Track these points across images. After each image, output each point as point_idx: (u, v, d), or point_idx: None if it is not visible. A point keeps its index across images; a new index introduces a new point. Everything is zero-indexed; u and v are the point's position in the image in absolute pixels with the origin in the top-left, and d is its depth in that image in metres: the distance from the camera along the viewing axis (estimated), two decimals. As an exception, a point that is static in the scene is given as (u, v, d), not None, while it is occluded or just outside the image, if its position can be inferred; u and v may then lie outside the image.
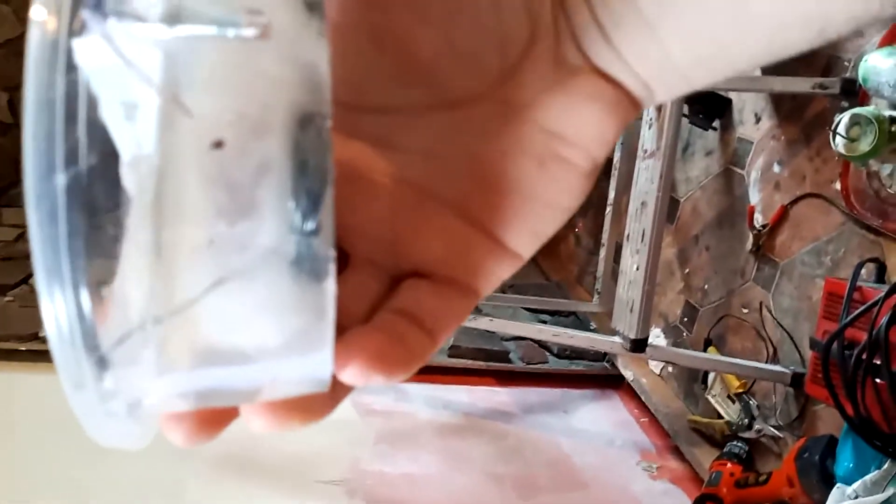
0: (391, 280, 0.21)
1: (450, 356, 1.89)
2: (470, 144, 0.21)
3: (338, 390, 0.19)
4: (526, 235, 0.22)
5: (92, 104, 0.14)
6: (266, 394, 0.17)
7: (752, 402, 1.51)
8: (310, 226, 0.15)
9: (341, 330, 0.18)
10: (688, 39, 0.20)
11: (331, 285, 0.16)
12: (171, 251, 0.15)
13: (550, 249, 2.67)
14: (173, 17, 0.14)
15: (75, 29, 0.14)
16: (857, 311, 1.09)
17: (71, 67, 0.14)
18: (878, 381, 1.05)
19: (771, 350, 1.49)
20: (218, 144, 0.15)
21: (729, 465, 1.43)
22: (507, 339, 2.00)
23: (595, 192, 2.06)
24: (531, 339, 1.99)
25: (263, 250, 0.15)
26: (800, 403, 1.41)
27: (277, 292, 0.16)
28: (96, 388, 0.15)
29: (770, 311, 1.50)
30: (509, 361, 1.94)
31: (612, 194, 2.03)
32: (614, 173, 2.00)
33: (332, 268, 0.16)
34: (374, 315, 0.20)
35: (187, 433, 0.18)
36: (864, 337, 1.06)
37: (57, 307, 0.14)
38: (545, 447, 1.66)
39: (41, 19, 0.14)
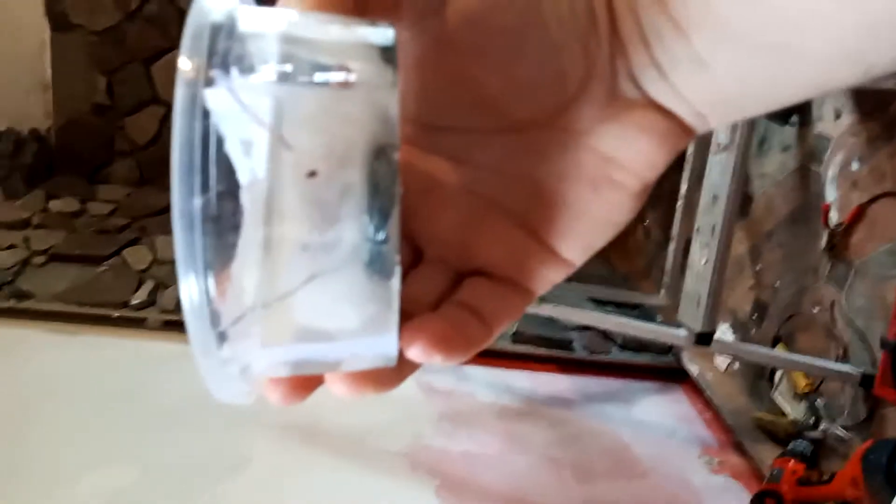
0: (457, 276, 0.25)
1: (513, 342, 1.93)
2: (532, 164, 0.24)
3: (404, 367, 0.23)
4: (578, 247, 0.25)
5: (220, 141, 0.19)
6: (346, 366, 0.21)
7: (820, 402, 1.49)
8: (381, 236, 0.20)
9: (410, 316, 0.22)
10: (740, 77, 0.22)
11: (396, 283, 0.20)
12: (276, 252, 0.19)
13: (619, 242, 2.65)
14: (282, 71, 0.19)
15: (209, 81, 0.19)
16: (931, 312, 1.07)
17: (206, 113, 0.18)
18: (950, 383, 1.03)
19: (841, 350, 1.47)
20: (312, 174, 0.19)
21: (792, 462, 1.42)
22: (570, 328, 2.02)
23: (666, 184, 2.04)
24: (595, 329, 2.00)
25: (345, 254, 0.20)
26: (869, 405, 1.38)
27: (356, 286, 0.20)
28: (217, 356, 0.20)
29: (842, 311, 1.47)
30: (572, 350, 1.96)
31: (683, 187, 2.01)
32: (686, 166, 1.98)
33: (397, 269, 0.20)
34: (440, 305, 0.23)
35: (283, 394, 0.22)
36: (937, 338, 1.04)
37: (192, 292, 0.19)
38: (604, 435, 1.68)
39: (184, 72, 0.19)
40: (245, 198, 0.19)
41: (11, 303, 1.89)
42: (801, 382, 1.53)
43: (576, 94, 0.23)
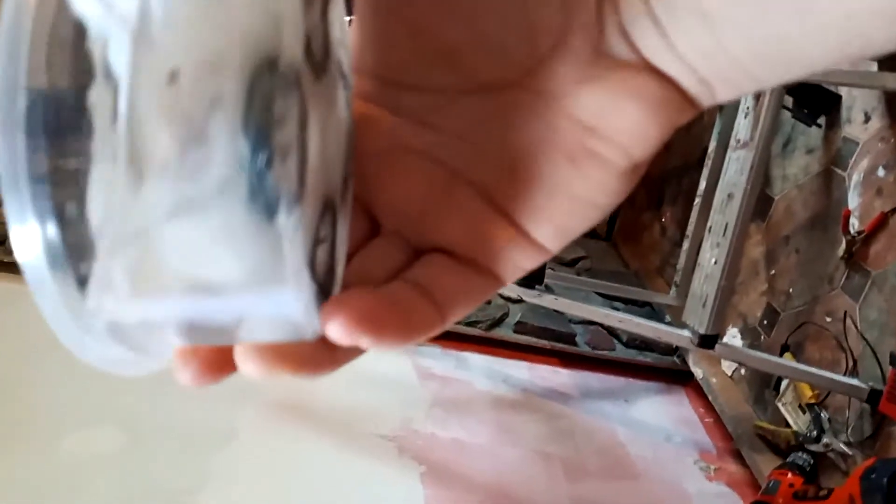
0: (415, 253, 0.22)
1: (515, 332, 1.89)
2: (502, 130, 0.21)
3: (337, 352, 0.19)
4: (551, 229, 0.21)
5: (78, 33, 0.15)
6: (247, 333, 0.18)
7: (824, 415, 1.44)
8: (260, 161, 0.16)
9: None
10: (749, 35, 0.18)
11: (287, 221, 0.16)
12: (131, 177, 0.16)
13: (633, 237, 2.60)
14: None
15: None
16: (945, 330, 1.01)
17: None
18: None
19: (850, 363, 1.41)
20: (174, 77, 0.16)
21: (790, 475, 1.37)
22: (575, 322, 1.98)
23: (686, 180, 1.98)
24: (600, 325, 1.96)
25: (216, 182, 0.16)
26: (875, 422, 1.33)
27: (233, 225, 0.16)
28: (78, 308, 0.17)
29: (855, 323, 1.41)
30: (575, 344, 1.92)
31: (702, 184, 1.95)
32: (707, 163, 1.92)
33: (286, 206, 0.16)
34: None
35: (193, 374, 0.19)
36: (949, 357, 0.99)
37: (27, 230, 0.16)
38: (600, 433, 1.64)
39: None
40: (97, 106, 0.16)
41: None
42: (807, 393, 1.48)
43: (550, 51, 0.20)
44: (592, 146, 0.20)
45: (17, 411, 1.35)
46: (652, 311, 2.17)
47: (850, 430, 1.39)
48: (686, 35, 0.18)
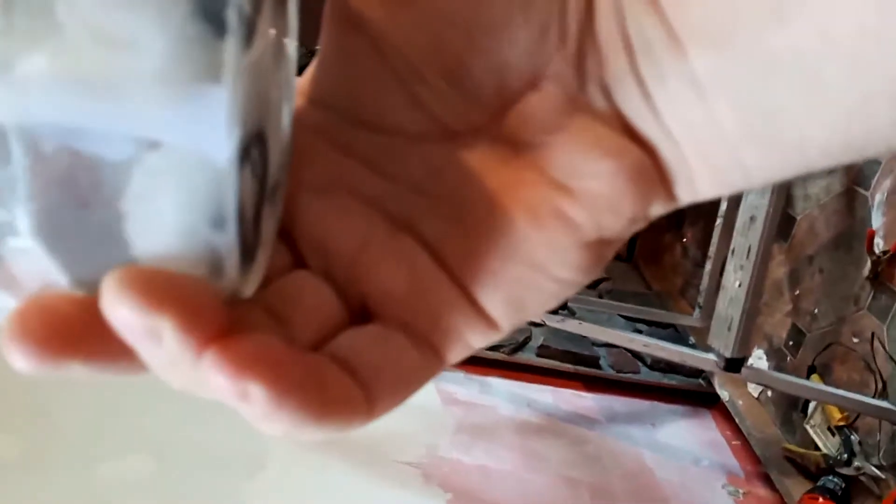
0: (343, 300, 0.19)
1: (538, 356, 1.89)
2: (461, 181, 0.19)
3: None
4: (503, 299, 0.18)
5: None
6: (136, 198, 0.14)
7: (854, 438, 1.42)
8: None
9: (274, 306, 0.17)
10: (744, 108, 0.16)
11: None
12: None
13: (654, 258, 2.60)
14: None
15: None
16: (976, 352, 1.00)
17: None
18: None
19: (880, 385, 1.39)
20: None
21: (821, 499, 1.36)
22: (598, 345, 1.97)
23: (706, 201, 1.99)
24: (623, 348, 1.95)
25: None
26: (907, 445, 1.31)
27: None
28: None
29: (882, 344, 1.40)
30: (599, 367, 1.91)
31: (723, 205, 1.95)
32: (727, 185, 1.92)
33: None
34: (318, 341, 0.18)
35: (31, 352, 0.15)
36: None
37: None
38: (626, 458, 1.63)
39: None
40: None
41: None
42: (836, 415, 1.46)
43: (521, 93, 0.18)
44: (559, 205, 0.18)
45: (49, 438, 1.38)
46: (675, 332, 2.16)
47: (881, 453, 1.37)
48: (672, 100, 0.17)
